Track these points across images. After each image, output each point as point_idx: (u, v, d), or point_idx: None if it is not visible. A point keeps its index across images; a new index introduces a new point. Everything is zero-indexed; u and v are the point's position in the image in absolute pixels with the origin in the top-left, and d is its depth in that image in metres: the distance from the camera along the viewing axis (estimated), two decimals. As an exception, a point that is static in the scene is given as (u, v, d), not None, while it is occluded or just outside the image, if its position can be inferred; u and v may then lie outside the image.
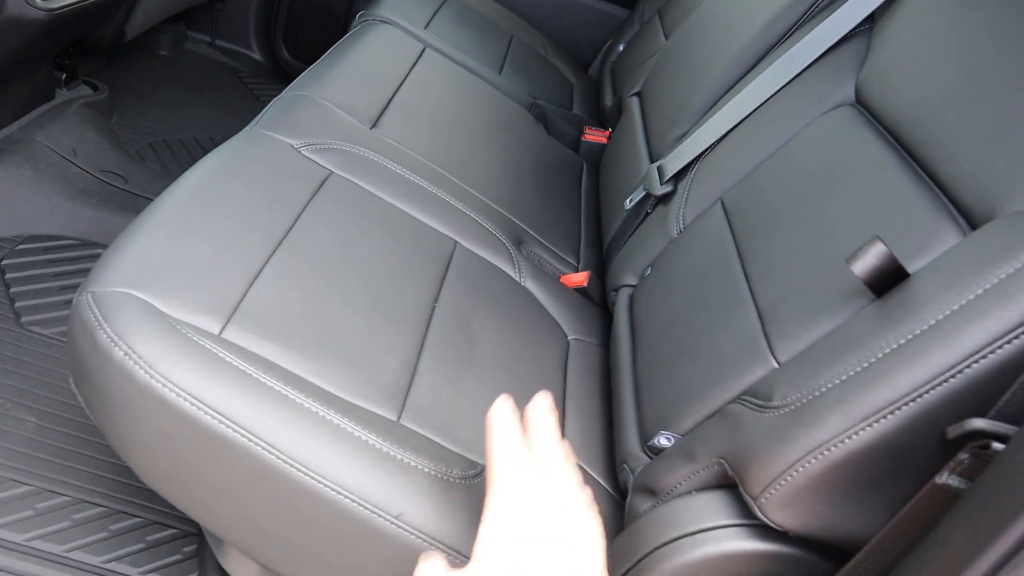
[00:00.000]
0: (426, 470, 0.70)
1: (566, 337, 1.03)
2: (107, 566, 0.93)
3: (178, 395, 0.66)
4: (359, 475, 0.68)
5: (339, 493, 0.67)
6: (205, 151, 1.73)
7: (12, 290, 1.22)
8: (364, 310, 0.84)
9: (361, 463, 0.68)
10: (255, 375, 0.69)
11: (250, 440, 0.66)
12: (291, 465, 0.66)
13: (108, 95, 1.60)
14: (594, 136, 1.50)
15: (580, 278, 1.12)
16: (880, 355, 0.59)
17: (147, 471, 0.71)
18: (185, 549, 0.98)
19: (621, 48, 1.81)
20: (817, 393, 0.61)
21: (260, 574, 0.79)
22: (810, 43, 1.00)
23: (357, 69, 1.26)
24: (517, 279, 1.06)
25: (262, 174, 0.95)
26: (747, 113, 1.01)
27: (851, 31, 0.96)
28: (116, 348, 0.67)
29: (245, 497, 0.68)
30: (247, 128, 1.05)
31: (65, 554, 0.93)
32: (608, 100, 1.64)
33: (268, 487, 0.67)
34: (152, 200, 1.47)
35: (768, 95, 1.00)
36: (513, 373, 0.90)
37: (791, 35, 1.08)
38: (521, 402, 0.87)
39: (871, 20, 0.96)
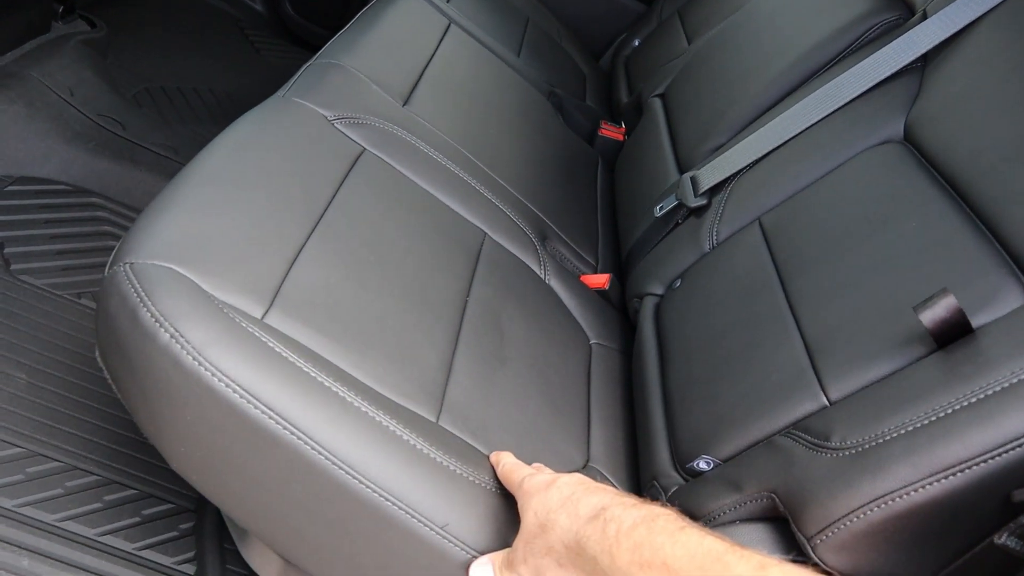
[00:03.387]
0: (471, 479, 0.69)
1: (588, 341, 1.02)
2: (100, 539, 0.89)
3: (227, 385, 0.63)
4: (406, 480, 0.66)
5: (385, 498, 0.65)
6: (205, 103, 1.67)
7: (1, 234, 1.15)
8: (401, 300, 0.82)
9: (408, 468, 0.66)
10: (305, 368, 0.66)
11: (299, 437, 0.63)
12: (338, 465, 0.64)
13: (106, 33, 1.51)
14: (610, 132, 1.48)
15: (602, 280, 1.11)
16: (950, 410, 0.60)
17: (179, 457, 0.68)
18: (182, 526, 0.94)
19: (636, 43, 1.79)
20: (882, 440, 0.62)
21: (282, 569, 0.77)
22: (859, 73, 0.99)
23: (388, 40, 1.21)
24: (542, 276, 1.05)
25: (297, 145, 0.91)
26: (790, 136, 1.01)
27: (903, 67, 0.96)
28: (161, 329, 0.63)
29: (284, 493, 0.66)
30: (279, 93, 1.01)
31: (57, 523, 0.88)
32: (624, 96, 1.62)
33: (310, 485, 0.65)
34: (149, 149, 1.43)
35: (812, 121, 1.00)
36: (542, 375, 0.89)
37: (837, 62, 1.08)
38: (549, 405, 0.87)
39: (923, 59, 0.96)
